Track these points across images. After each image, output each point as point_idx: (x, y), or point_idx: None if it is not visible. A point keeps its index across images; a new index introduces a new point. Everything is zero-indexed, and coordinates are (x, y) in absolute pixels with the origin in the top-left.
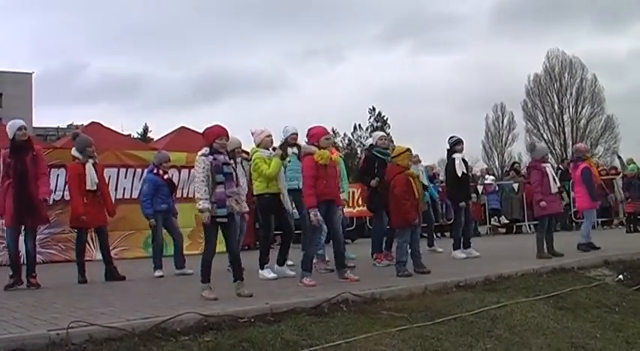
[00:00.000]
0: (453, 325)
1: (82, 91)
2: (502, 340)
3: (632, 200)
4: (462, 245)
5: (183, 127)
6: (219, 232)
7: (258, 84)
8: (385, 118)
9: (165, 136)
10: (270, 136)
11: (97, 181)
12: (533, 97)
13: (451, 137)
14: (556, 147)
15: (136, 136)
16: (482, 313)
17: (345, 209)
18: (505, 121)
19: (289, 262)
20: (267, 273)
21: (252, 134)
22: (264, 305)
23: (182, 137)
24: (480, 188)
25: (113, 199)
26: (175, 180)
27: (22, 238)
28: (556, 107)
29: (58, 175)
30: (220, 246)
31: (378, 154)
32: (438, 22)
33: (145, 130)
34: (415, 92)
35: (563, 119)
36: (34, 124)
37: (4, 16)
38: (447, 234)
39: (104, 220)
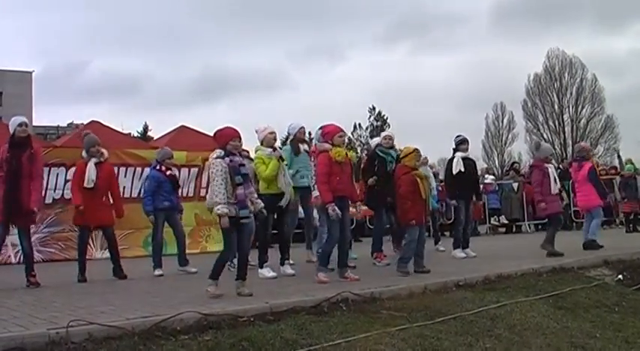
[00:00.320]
0: (452, 325)
1: (82, 90)
2: (502, 340)
3: (629, 200)
4: (466, 243)
5: (183, 126)
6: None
7: (259, 83)
8: (385, 118)
9: (165, 135)
10: (273, 133)
11: (93, 179)
12: (533, 96)
13: (457, 136)
14: (556, 146)
15: (135, 134)
16: (482, 312)
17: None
18: (505, 120)
19: (290, 261)
20: (266, 272)
21: (256, 132)
22: (264, 304)
23: (182, 136)
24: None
25: None
26: None
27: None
28: (556, 107)
29: (57, 174)
30: (222, 245)
31: (380, 153)
32: (439, 21)
33: (145, 128)
34: (415, 92)
35: (563, 119)
36: (35, 123)
37: (5, 15)
38: (447, 233)
39: (107, 220)
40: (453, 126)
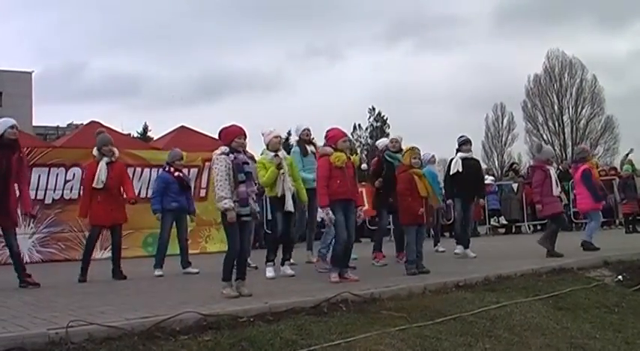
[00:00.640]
0: (452, 325)
1: (82, 90)
2: (501, 340)
3: (628, 201)
4: (465, 242)
5: (182, 127)
6: None
7: (258, 83)
8: (385, 118)
9: (165, 135)
10: (278, 136)
11: (103, 180)
12: (533, 97)
13: (460, 137)
14: (556, 147)
15: (135, 135)
16: (481, 313)
17: None
18: (505, 121)
19: (291, 261)
20: (268, 272)
21: (262, 135)
22: (264, 304)
23: (182, 136)
24: None
25: None
26: None
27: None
28: (556, 108)
29: (57, 175)
30: (222, 245)
31: (387, 158)
32: (439, 22)
33: (145, 129)
34: (415, 92)
35: (562, 120)
36: (34, 123)
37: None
38: (447, 234)
39: (121, 218)
40: (452, 126)
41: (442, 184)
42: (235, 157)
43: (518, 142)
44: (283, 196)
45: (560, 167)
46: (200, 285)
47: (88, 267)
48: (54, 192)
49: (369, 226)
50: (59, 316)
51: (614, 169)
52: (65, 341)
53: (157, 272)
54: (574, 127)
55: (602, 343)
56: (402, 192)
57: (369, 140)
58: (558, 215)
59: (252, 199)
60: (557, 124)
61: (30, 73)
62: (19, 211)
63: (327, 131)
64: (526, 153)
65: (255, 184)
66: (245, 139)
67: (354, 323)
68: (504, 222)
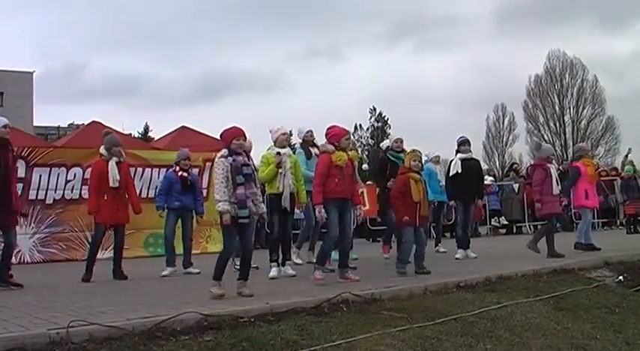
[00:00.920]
0: (453, 326)
1: (82, 91)
2: (502, 341)
3: (631, 201)
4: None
5: (183, 127)
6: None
7: (259, 83)
8: (386, 118)
9: (166, 135)
10: (285, 133)
11: (118, 178)
12: (534, 97)
13: (459, 137)
14: (557, 148)
15: (136, 135)
16: (482, 313)
17: None
18: (506, 121)
19: (291, 261)
20: (272, 272)
21: (270, 132)
22: (265, 305)
23: (183, 136)
24: None
25: None
26: None
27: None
28: (557, 108)
29: (58, 175)
30: (220, 246)
31: (391, 157)
32: (439, 22)
33: (146, 129)
34: (416, 92)
35: (564, 120)
36: (35, 123)
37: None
38: (447, 234)
39: (124, 218)
40: (453, 127)
41: (442, 182)
42: (234, 160)
43: (519, 143)
44: (280, 194)
45: (560, 167)
46: (201, 285)
47: (93, 266)
48: (55, 192)
49: (370, 226)
50: (60, 316)
51: (615, 169)
52: (66, 341)
53: (164, 272)
54: (575, 127)
55: (603, 343)
56: (394, 195)
57: (370, 140)
58: (555, 216)
59: (253, 201)
60: (558, 125)
61: (31, 73)
62: None
63: (329, 128)
64: (527, 153)
65: (257, 186)
66: (245, 141)
67: (354, 323)
68: (505, 222)
